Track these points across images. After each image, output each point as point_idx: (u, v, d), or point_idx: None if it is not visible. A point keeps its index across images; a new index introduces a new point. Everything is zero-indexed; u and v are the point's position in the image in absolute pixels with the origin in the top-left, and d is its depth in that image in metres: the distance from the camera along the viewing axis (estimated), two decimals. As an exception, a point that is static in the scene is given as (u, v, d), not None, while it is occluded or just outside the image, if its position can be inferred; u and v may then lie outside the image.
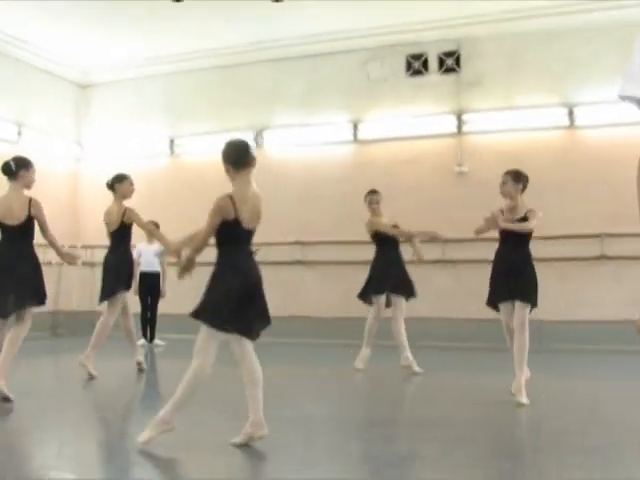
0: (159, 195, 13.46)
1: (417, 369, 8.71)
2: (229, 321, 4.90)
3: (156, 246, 11.99)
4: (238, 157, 5.10)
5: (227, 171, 5.10)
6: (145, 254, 11.99)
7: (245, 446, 4.91)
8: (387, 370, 9.05)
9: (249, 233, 5.07)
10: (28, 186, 7.01)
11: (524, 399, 6.56)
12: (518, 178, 7.18)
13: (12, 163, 6.96)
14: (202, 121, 13.86)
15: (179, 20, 11.98)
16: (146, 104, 14.44)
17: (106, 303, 8.39)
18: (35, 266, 6.92)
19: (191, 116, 14.07)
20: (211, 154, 13.67)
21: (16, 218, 6.79)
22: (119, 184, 8.55)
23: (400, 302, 8.99)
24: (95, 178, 13.40)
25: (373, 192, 9.24)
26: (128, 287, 8.71)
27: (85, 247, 13.41)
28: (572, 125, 11.66)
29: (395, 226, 9.14)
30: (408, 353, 8.77)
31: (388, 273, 8.98)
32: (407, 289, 9.02)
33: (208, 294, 4.96)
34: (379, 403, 7.26)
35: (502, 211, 7.15)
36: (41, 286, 6.93)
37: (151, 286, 12.17)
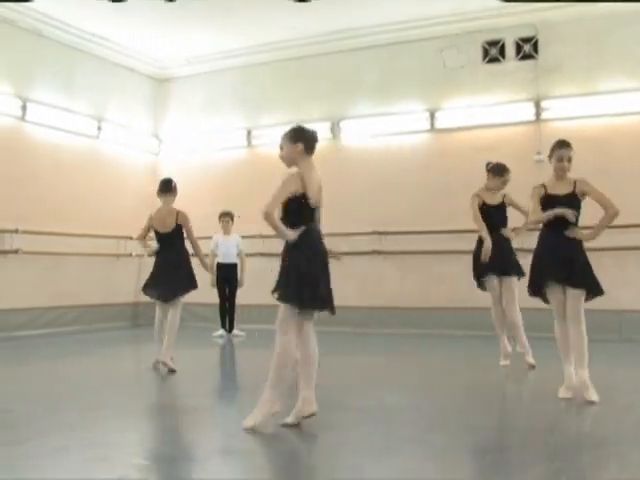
0: (237, 187, 13.59)
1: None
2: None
3: (235, 237, 12.16)
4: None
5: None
6: (222, 245, 12.12)
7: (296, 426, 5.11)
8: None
9: None
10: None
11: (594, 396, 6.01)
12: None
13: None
14: (279, 112, 13.92)
15: (254, 12, 12.05)
16: (222, 97, 14.59)
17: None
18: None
19: (268, 107, 14.15)
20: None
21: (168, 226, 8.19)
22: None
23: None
24: (173, 171, 13.59)
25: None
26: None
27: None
28: (657, 111, 11.35)
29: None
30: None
31: None
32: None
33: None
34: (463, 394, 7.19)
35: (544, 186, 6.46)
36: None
37: (229, 277, 12.27)
